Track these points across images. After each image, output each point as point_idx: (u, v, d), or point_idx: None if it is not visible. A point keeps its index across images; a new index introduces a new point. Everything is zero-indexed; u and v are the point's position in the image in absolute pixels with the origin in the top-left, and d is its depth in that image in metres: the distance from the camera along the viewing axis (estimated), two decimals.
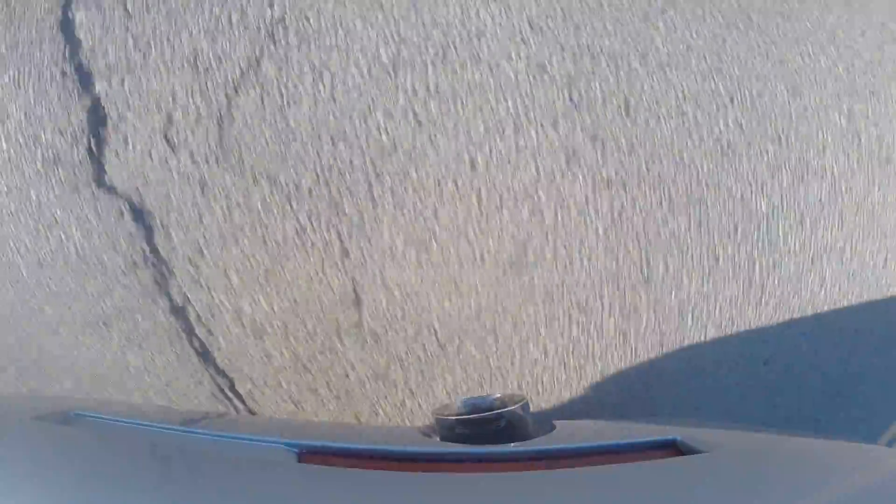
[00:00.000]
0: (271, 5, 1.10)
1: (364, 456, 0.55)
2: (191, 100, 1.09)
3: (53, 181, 1.11)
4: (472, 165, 1.13)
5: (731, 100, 1.20)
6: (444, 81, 1.12)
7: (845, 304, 1.25)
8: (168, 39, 1.09)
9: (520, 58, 1.14)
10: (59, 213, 1.12)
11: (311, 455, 0.53)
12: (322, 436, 0.60)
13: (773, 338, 1.24)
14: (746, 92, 1.21)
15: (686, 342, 1.23)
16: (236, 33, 1.09)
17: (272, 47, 1.09)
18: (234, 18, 1.09)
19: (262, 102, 1.09)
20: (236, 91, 1.09)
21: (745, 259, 1.21)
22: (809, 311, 1.25)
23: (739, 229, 1.20)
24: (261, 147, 1.09)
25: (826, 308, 1.25)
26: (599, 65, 1.16)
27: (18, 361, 1.20)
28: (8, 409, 0.69)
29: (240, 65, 1.09)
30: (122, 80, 1.08)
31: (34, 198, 1.12)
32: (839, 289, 1.25)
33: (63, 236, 1.13)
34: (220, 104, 1.09)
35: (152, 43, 1.09)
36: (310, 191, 1.11)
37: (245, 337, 1.15)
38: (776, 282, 1.23)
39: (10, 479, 0.46)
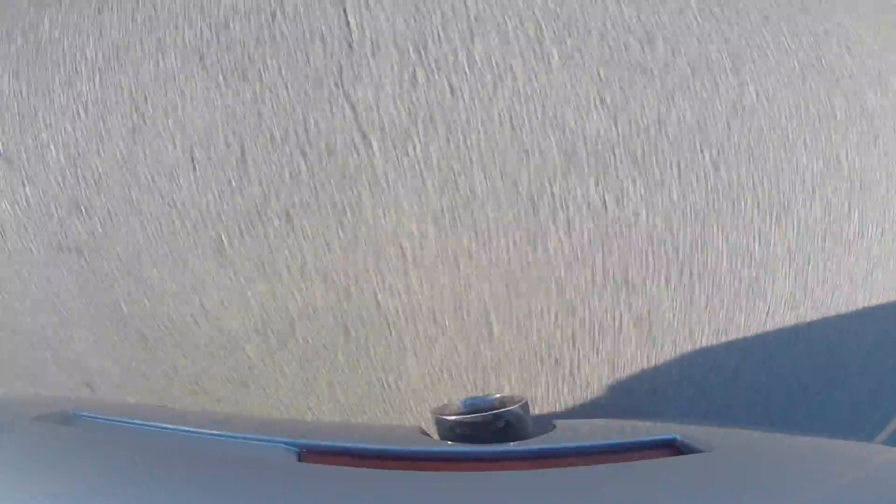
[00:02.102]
0: None
1: (364, 455, 0.55)
2: None
3: None
4: None
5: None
6: None
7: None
8: None
9: None
10: None
11: (311, 454, 0.53)
12: (322, 435, 0.60)
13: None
14: None
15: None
16: None
17: None
18: None
19: None
20: None
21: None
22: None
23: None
24: None
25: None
26: None
27: None
28: (8, 408, 0.69)
29: None
30: None
31: None
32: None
33: None
34: None
35: None
36: None
37: None
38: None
39: (9, 478, 0.46)
